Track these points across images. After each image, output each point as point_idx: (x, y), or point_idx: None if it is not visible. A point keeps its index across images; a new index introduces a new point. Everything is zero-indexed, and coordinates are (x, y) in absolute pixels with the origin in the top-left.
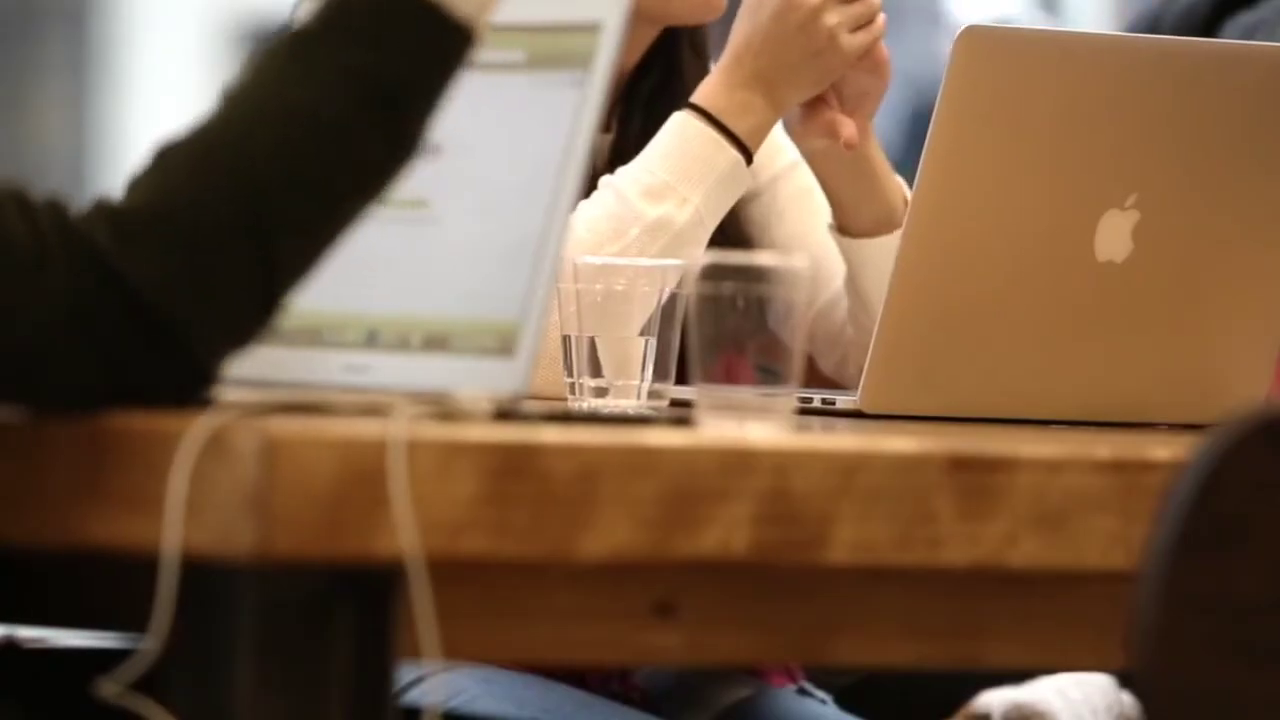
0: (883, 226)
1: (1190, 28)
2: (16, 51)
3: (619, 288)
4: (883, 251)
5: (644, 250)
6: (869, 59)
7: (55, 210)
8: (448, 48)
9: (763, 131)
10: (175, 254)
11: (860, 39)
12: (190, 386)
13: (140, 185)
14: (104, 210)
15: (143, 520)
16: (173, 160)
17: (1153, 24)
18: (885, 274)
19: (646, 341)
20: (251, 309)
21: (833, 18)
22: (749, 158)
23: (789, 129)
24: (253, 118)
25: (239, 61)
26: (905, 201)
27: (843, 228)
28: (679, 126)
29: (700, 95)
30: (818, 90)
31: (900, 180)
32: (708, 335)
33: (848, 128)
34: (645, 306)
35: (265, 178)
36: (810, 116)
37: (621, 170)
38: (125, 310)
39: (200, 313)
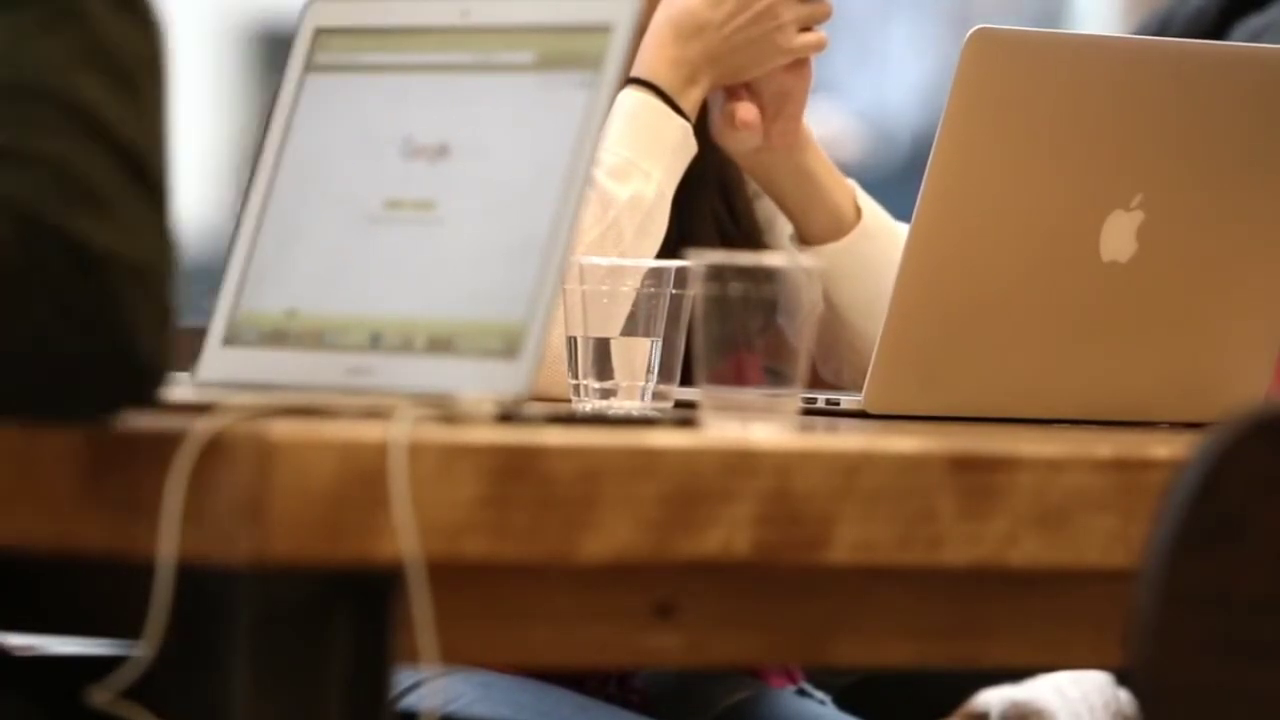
0: (833, 233)
1: (1199, 30)
2: None
3: (624, 289)
4: (838, 257)
5: (623, 231)
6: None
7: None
8: None
9: (698, 105)
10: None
11: (804, 40)
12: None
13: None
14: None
15: (139, 524)
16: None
17: (1161, 26)
18: (845, 279)
19: (652, 343)
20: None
21: (789, 13)
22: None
23: (712, 129)
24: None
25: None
26: (856, 205)
27: (798, 236)
28: (632, 104)
29: (648, 69)
30: (743, 78)
31: (851, 183)
32: (713, 336)
33: (742, 110)
34: (650, 307)
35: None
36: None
37: None
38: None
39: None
